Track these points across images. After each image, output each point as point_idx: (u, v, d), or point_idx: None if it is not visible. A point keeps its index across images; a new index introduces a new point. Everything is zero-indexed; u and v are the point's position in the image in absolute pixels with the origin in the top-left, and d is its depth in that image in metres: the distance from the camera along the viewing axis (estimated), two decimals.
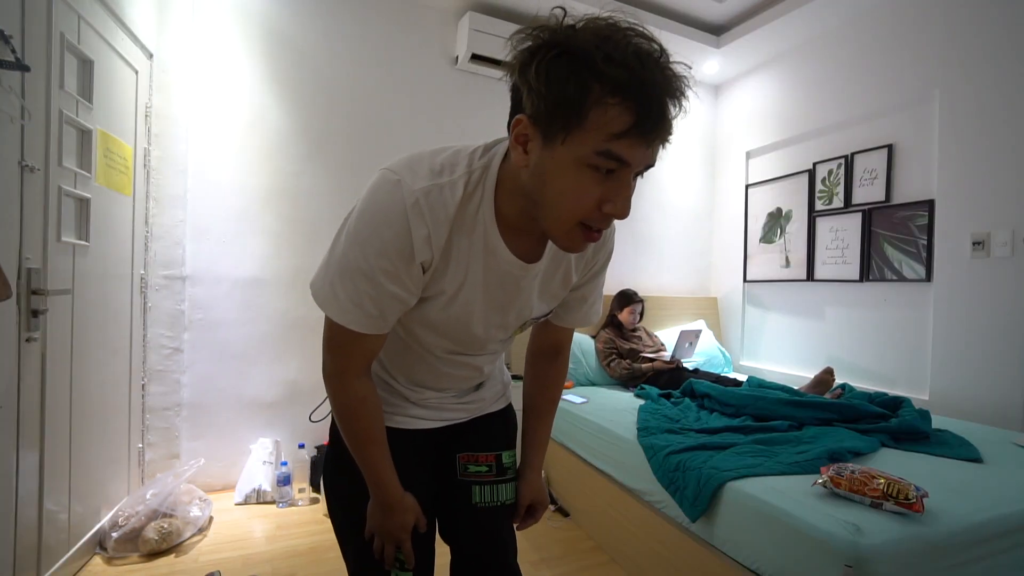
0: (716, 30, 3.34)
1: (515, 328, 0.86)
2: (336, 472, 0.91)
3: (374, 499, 0.82)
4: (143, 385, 2.30)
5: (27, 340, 1.46)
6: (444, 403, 0.93)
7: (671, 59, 0.57)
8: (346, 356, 0.74)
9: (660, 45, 0.57)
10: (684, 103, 0.58)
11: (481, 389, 0.97)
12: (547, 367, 1.01)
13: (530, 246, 0.75)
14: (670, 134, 0.59)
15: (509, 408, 1.05)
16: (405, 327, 0.81)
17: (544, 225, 0.65)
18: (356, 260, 0.66)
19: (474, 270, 0.73)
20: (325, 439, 2.71)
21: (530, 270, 0.76)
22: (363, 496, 0.83)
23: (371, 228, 0.65)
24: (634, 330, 3.14)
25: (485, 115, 3.05)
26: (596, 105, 0.55)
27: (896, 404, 2.12)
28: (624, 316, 3.10)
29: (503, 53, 0.64)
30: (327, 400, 0.83)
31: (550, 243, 0.76)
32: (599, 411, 2.35)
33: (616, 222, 0.86)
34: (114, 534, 1.88)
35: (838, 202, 2.96)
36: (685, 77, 0.58)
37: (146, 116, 2.24)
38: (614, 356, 2.98)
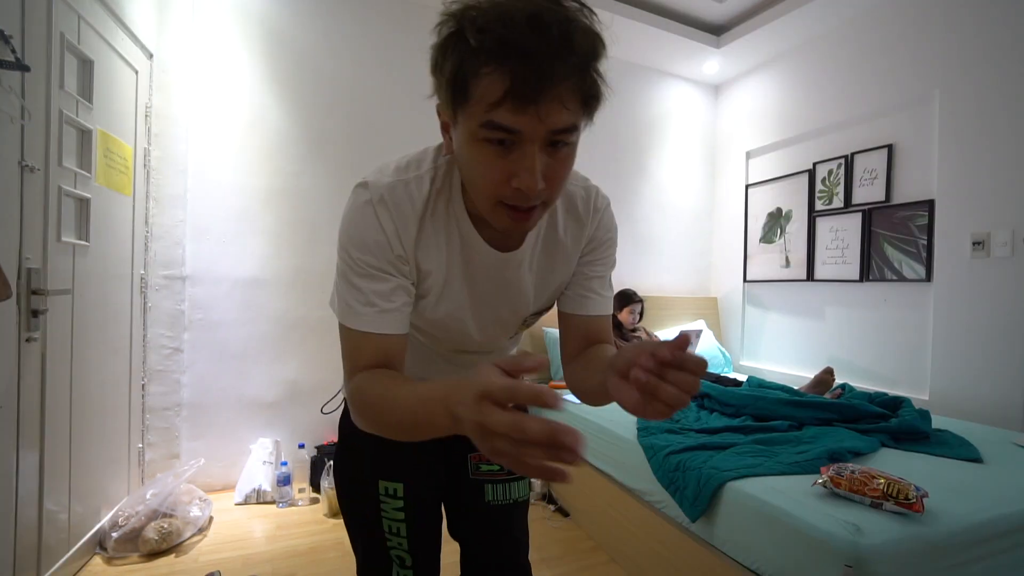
0: (716, 30, 3.34)
1: (515, 324, 0.84)
2: (342, 468, 0.92)
3: (444, 424, 0.53)
4: (143, 385, 2.30)
5: (27, 340, 1.46)
6: None
7: (574, 15, 0.53)
8: (350, 357, 0.72)
9: (555, 3, 0.53)
10: (586, 58, 0.54)
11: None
12: (594, 350, 0.81)
13: (508, 235, 0.73)
14: (575, 93, 0.54)
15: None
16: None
17: (477, 208, 0.65)
18: (345, 262, 0.68)
19: (456, 266, 0.73)
20: (325, 439, 2.73)
21: (510, 260, 0.74)
22: (366, 492, 0.84)
23: (348, 230, 0.68)
24: (634, 330, 3.14)
25: None
26: (473, 77, 0.54)
27: (896, 404, 2.11)
28: (624, 316, 3.10)
29: None
30: (339, 393, 0.81)
31: (533, 232, 0.75)
32: (599, 411, 2.35)
33: (617, 219, 0.83)
34: (114, 534, 1.88)
35: (838, 202, 2.96)
36: (588, 31, 0.54)
37: (146, 116, 2.24)
38: None
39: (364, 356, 0.69)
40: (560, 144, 0.57)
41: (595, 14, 0.57)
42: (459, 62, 0.54)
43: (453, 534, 0.97)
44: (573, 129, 0.56)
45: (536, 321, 0.89)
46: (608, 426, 2.13)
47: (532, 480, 1.03)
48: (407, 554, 0.87)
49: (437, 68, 0.57)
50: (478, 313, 0.78)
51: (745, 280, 3.62)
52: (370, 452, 0.86)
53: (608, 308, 0.84)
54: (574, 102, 0.55)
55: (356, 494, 0.89)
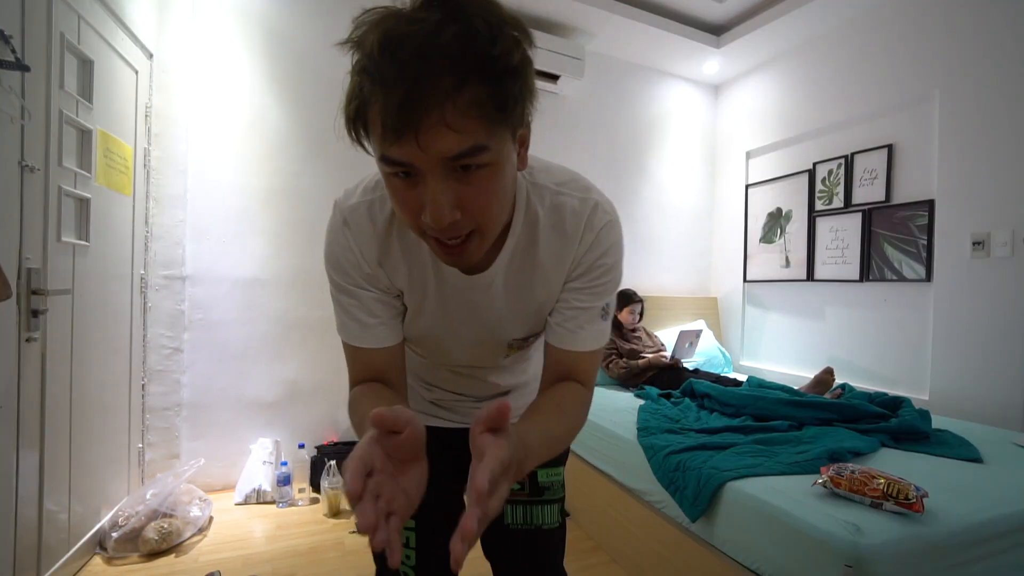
0: (716, 30, 3.34)
1: (498, 347, 0.79)
2: None
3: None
4: (143, 385, 2.30)
5: (27, 340, 1.46)
6: (460, 405, 0.90)
7: (444, 20, 0.45)
8: (348, 367, 0.75)
9: (419, 12, 0.46)
10: (471, 67, 0.46)
11: (506, 398, 0.93)
12: (555, 388, 0.75)
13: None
14: (469, 110, 0.47)
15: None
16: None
17: None
18: (329, 279, 0.70)
19: (430, 284, 0.70)
20: (325, 439, 2.73)
21: (475, 282, 0.69)
22: None
23: (325, 250, 0.70)
24: (634, 330, 3.14)
25: None
26: (365, 110, 0.50)
27: (896, 404, 2.11)
28: (624, 316, 3.10)
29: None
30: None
31: (506, 250, 0.68)
32: (599, 411, 2.35)
33: (621, 217, 0.75)
34: (114, 534, 1.88)
35: (838, 202, 2.96)
36: (467, 36, 0.45)
37: (146, 116, 2.24)
38: (613, 356, 2.98)
39: (356, 368, 0.73)
40: (470, 168, 0.50)
41: (494, 5, 0.48)
42: (351, 94, 0.50)
43: (486, 553, 0.93)
44: (476, 151, 0.48)
45: (528, 345, 0.82)
46: (608, 426, 2.13)
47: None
48: (412, 571, 0.84)
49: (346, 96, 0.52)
50: (453, 334, 0.76)
51: (745, 280, 3.62)
52: None
53: (592, 344, 0.71)
54: (469, 119, 0.47)
55: None
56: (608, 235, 0.68)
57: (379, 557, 0.88)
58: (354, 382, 0.73)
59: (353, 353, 0.72)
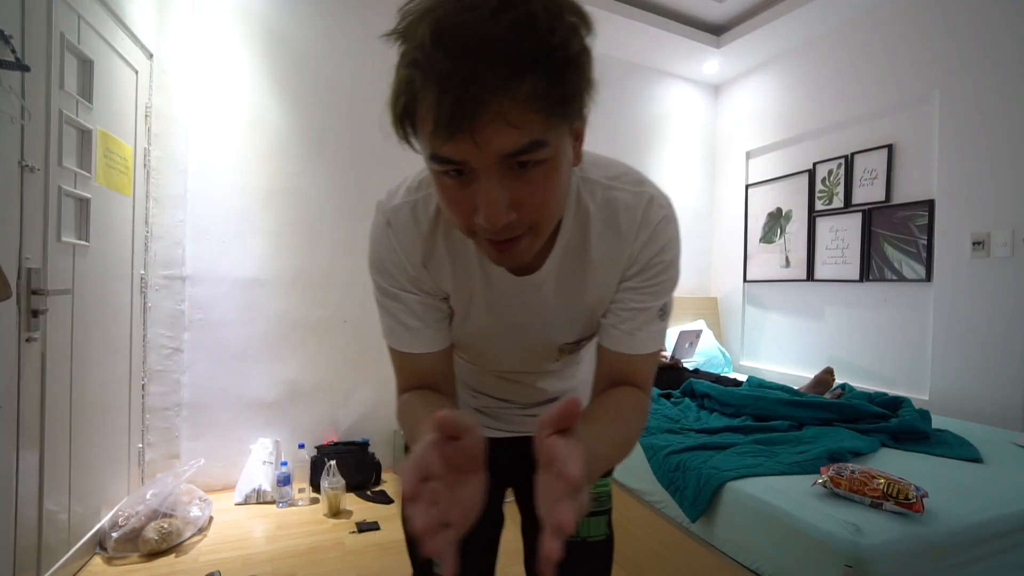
0: (716, 30, 3.34)
1: (548, 352, 0.76)
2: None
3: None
4: (143, 385, 2.30)
5: (27, 340, 1.46)
6: (505, 412, 0.87)
7: (499, 8, 0.42)
8: (395, 373, 0.73)
9: (491, 6, 0.42)
10: (528, 59, 0.42)
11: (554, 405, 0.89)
12: (611, 393, 0.71)
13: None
14: (527, 103, 0.43)
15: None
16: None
17: None
18: (373, 283, 0.68)
19: (477, 288, 0.68)
20: (325, 439, 2.72)
21: (525, 284, 0.66)
22: None
23: (369, 252, 0.68)
24: None
25: None
26: (414, 105, 0.47)
27: (896, 404, 2.11)
28: None
29: None
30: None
31: (557, 250, 0.65)
32: None
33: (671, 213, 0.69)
34: (114, 534, 1.88)
35: (838, 202, 2.96)
36: (523, 24, 0.42)
37: (146, 116, 2.24)
38: None
39: (404, 375, 0.71)
40: (527, 164, 0.47)
41: None
42: (399, 89, 0.48)
43: (527, 566, 0.90)
44: (535, 146, 0.46)
45: (579, 349, 0.78)
46: None
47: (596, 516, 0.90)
48: None
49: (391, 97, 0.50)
50: (501, 338, 0.73)
51: (745, 280, 3.62)
52: None
53: (650, 347, 0.67)
54: (527, 113, 0.44)
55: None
56: (665, 230, 0.64)
57: (416, 562, 0.86)
58: (402, 389, 0.71)
59: (401, 359, 0.69)
